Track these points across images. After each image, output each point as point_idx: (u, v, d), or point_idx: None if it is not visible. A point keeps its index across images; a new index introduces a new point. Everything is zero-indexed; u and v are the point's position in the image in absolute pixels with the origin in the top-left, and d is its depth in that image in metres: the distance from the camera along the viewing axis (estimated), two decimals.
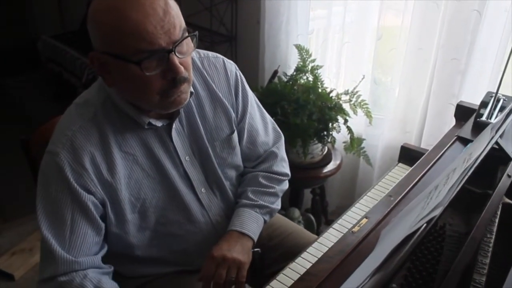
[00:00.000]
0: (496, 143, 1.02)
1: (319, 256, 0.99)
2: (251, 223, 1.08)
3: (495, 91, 1.29)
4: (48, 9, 3.79)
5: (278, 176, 1.18)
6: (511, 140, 1.11)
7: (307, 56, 1.85)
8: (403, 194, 1.10)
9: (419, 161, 1.24)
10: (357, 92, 1.83)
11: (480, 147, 0.84)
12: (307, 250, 1.04)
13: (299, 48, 1.86)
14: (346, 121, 1.82)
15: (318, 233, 1.92)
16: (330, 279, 0.90)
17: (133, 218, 1.01)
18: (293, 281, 0.94)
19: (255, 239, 1.09)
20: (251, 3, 2.15)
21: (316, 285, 0.89)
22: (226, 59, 1.12)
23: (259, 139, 1.17)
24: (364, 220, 1.04)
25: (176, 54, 0.86)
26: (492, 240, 0.90)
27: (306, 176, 1.90)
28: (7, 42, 3.62)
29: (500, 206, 0.98)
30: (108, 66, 0.88)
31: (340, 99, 1.83)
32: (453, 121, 1.49)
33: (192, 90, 0.98)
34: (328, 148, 1.98)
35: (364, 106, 1.82)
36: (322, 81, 1.84)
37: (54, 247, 0.91)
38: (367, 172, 2.07)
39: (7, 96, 3.55)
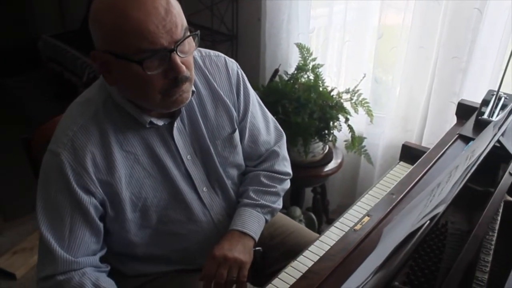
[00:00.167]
0: (498, 141, 1.02)
1: (321, 255, 0.99)
2: (253, 223, 1.09)
3: (496, 89, 1.29)
4: (48, 9, 3.79)
5: (279, 175, 1.18)
6: None
7: (308, 55, 1.85)
8: (405, 192, 1.10)
9: (420, 159, 1.24)
10: (358, 90, 1.83)
11: (482, 145, 0.84)
12: (309, 249, 1.04)
13: (300, 46, 1.86)
14: (347, 119, 1.82)
15: (319, 232, 1.92)
16: (333, 277, 0.90)
17: (134, 217, 1.01)
18: (295, 280, 0.94)
19: (257, 238, 1.09)
20: (252, 2, 2.15)
21: (319, 283, 0.89)
22: (228, 58, 1.12)
23: (260, 138, 1.17)
24: (366, 218, 1.04)
25: (178, 53, 0.86)
26: (494, 238, 0.90)
27: (307, 174, 1.90)
28: (7, 42, 3.62)
29: (502, 204, 0.98)
30: (110, 65, 0.88)
31: (341, 97, 1.82)
32: (454, 120, 1.49)
33: (193, 89, 0.98)
34: (329, 147, 1.98)
35: (365, 105, 1.82)
36: (323, 79, 1.84)
37: (53, 246, 0.92)
38: (368, 170, 2.07)
39: (8, 96, 3.54)
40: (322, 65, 1.86)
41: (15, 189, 2.41)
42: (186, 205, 1.05)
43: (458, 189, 0.71)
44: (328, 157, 1.95)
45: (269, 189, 1.15)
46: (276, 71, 1.97)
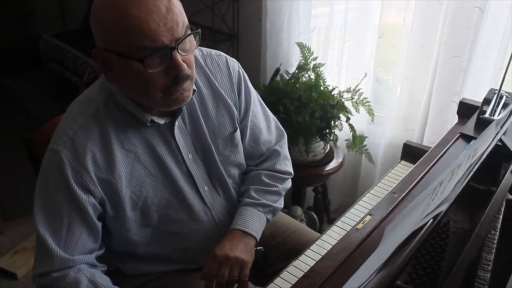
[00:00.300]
0: (500, 140, 1.02)
1: (322, 254, 0.99)
2: (254, 222, 1.08)
3: (497, 88, 1.29)
4: (49, 8, 3.79)
5: (280, 175, 1.18)
6: None
7: (309, 54, 1.85)
8: (407, 191, 1.10)
9: (422, 158, 1.24)
10: (359, 90, 1.83)
11: (485, 143, 0.84)
12: (310, 248, 1.04)
13: (301, 46, 1.86)
14: (348, 119, 1.81)
15: (321, 231, 1.92)
16: (335, 276, 0.90)
17: (134, 216, 1.01)
18: (297, 279, 0.94)
19: (258, 237, 1.09)
20: (253, 2, 2.15)
21: (321, 282, 0.89)
22: (229, 57, 1.12)
23: (261, 137, 1.17)
24: (368, 217, 1.04)
25: (179, 51, 0.86)
26: (496, 237, 0.90)
27: (308, 174, 1.90)
28: (8, 42, 3.62)
29: (504, 203, 0.98)
30: (111, 64, 0.88)
31: (342, 97, 1.82)
32: (455, 119, 1.49)
33: (194, 87, 0.98)
34: (330, 146, 1.98)
35: (366, 104, 1.82)
36: (324, 79, 1.84)
37: (50, 244, 0.92)
38: (369, 170, 2.07)
39: (8, 95, 3.55)
40: (323, 65, 1.86)
41: (16, 189, 2.41)
42: (187, 204, 1.05)
43: (461, 187, 0.70)
44: (329, 157, 1.95)
45: (270, 188, 1.15)
46: (277, 70, 1.97)
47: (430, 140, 1.81)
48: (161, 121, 0.98)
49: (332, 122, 1.80)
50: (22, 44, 3.69)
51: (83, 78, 2.88)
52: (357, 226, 1.02)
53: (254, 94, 1.16)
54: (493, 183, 1.03)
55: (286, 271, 0.98)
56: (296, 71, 1.87)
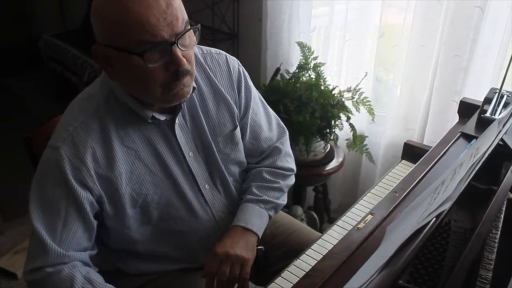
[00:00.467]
0: (501, 139, 1.02)
1: (323, 253, 0.99)
2: (255, 219, 1.08)
3: (498, 87, 1.29)
4: (49, 8, 3.79)
5: (282, 171, 1.18)
6: None
7: (309, 54, 1.85)
8: (408, 190, 1.10)
9: (423, 158, 1.24)
10: (359, 89, 1.83)
11: (487, 142, 0.84)
12: (312, 247, 1.04)
13: (302, 45, 1.86)
14: (348, 118, 1.81)
15: (321, 231, 1.92)
16: (336, 276, 0.90)
17: (134, 213, 1.01)
18: (298, 278, 0.94)
19: (260, 234, 1.08)
20: (253, 1, 2.15)
21: (322, 281, 0.89)
22: (229, 56, 1.12)
23: (262, 134, 1.17)
24: (369, 217, 1.04)
25: (179, 46, 0.87)
26: (498, 236, 0.90)
27: (309, 173, 1.90)
28: (8, 41, 3.61)
29: (505, 202, 0.98)
30: (111, 59, 0.89)
31: (342, 96, 1.82)
32: (455, 118, 1.49)
33: (194, 85, 0.99)
34: (331, 146, 1.98)
35: (366, 103, 1.82)
36: (325, 78, 1.84)
37: (45, 239, 0.91)
38: (370, 169, 2.07)
39: (9, 95, 3.54)
40: (323, 64, 1.86)
41: (16, 189, 2.40)
42: (187, 202, 1.05)
43: (464, 186, 0.70)
44: (329, 156, 1.95)
45: (272, 185, 1.14)
46: (278, 70, 1.97)
47: (430, 139, 1.81)
48: (162, 117, 0.98)
49: (333, 121, 1.80)
50: (22, 44, 3.69)
51: (83, 78, 2.88)
52: (359, 226, 1.02)
53: (255, 92, 1.16)
54: (494, 182, 1.03)
55: (287, 271, 0.98)
56: (297, 70, 1.87)
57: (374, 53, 1.89)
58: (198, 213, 1.07)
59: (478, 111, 1.32)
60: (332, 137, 1.87)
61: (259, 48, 2.14)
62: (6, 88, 3.60)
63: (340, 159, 1.95)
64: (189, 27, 0.89)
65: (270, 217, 1.14)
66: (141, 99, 0.96)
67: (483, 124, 1.25)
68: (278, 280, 0.97)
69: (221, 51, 1.12)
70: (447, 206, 0.63)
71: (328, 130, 1.82)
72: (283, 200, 1.17)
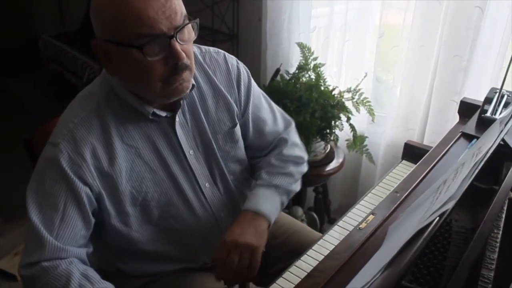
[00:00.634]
0: (502, 139, 1.02)
1: (324, 254, 0.98)
2: (267, 203, 1.05)
3: (498, 87, 1.29)
4: (48, 9, 3.79)
5: (291, 159, 1.16)
6: None
7: (309, 54, 1.85)
8: (409, 190, 1.10)
9: (424, 158, 1.24)
10: (359, 89, 1.83)
11: (489, 141, 0.84)
12: (313, 248, 1.04)
13: (301, 46, 1.86)
14: (348, 118, 1.81)
15: (321, 231, 1.92)
16: (338, 276, 0.90)
17: (134, 211, 1.00)
18: (300, 279, 0.94)
19: (271, 219, 1.05)
20: (253, 1, 2.15)
21: (324, 282, 0.88)
22: (227, 54, 1.13)
23: (267, 128, 1.16)
24: (371, 217, 1.04)
25: (178, 40, 0.87)
26: (499, 236, 0.90)
27: (309, 174, 1.87)
28: (7, 42, 3.62)
29: (507, 202, 0.98)
30: (111, 54, 0.89)
31: (342, 97, 1.82)
32: (455, 118, 1.49)
33: (194, 83, 0.99)
34: (331, 146, 1.98)
35: (366, 104, 1.81)
36: (325, 79, 1.84)
37: (42, 232, 0.89)
38: (370, 170, 2.07)
39: (8, 95, 3.54)
40: (323, 65, 1.86)
41: (16, 190, 2.40)
42: (187, 201, 1.05)
43: (467, 185, 0.70)
44: (329, 157, 1.94)
45: (282, 170, 1.12)
46: (278, 70, 1.97)
47: (430, 140, 1.82)
48: (163, 114, 0.98)
49: (333, 122, 1.80)
50: (21, 44, 3.69)
51: (83, 79, 2.88)
52: (360, 226, 1.02)
53: (255, 87, 1.16)
54: (495, 182, 1.03)
55: (289, 271, 0.98)
56: (297, 71, 1.87)
57: (374, 53, 1.89)
58: (198, 211, 1.07)
59: (479, 111, 1.32)
60: (332, 138, 1.86)
61: (259, 49, 2.14)
62: (6, 88, 3.60)
63: (340, 160, 1.95)
64: (187, 21, 0.89)
65: (282, 204, 1.11)
66: (141, 96, 0.96)
67: (484, 124, 1.25)
68: (280, 280, 0.97)
69: (220, 50, 1.13)
70: (450, 205, 0.63)
71: (328, 131, 1.82)
72: (296, 186, 1.15)
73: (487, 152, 0.77)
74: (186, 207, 1.05)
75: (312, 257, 1.01)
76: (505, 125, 0.91)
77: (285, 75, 1.91)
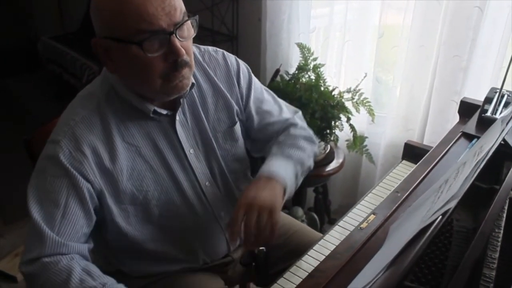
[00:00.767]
0: (503, 138, 1.02)
1: (325, 254, 0.98)
2: (280, 168, 1.02)
3: (498, 87, 1.29)
4: (47, 10, 3.79)
5: (300, 136, 1.14)
6: None
7: (309, 55, 1.85)
8: (410, 190, 1.10)
9: (424, 157, 1.24)
10: (359, 90, 1.83)
11: (491, 140, 0.84)
12: (314, 248, 1.04)
13: (301, 46, 1.86)
14: (348, 119, 1.81)
15: (321, 232, 1.92)
16: (340, 276, 0.89)
17: (135, 210, 1.00)
18: (301, 279, 0.93)
19: (286, 183, 1.01)
20: (252, 2, 2.15)
21: (326, 282, 0.88)
22: (225, 52, 1.13)
23: (272, 119, 1.16)
24: (372, 216, 1.04)
25: (177, 36, 0.88)
26: (501, 235, 0.90)
27: (309, 174, 1.86)
28: (7, 43, 3.62)
29: (507, 201, 0.98)
30: (111, 52, 0.89)
31: (342, 97, 1.82)
32: (455, 118, 1.49)
33: (193, 81, 0.99)
34: (331, 147, 1.98)
35: (366, 104, 1.82)
36: (325, 79, 1.84)
37: (43, 228, 0.89)
38: (370, 170, 2.07)
39: (8, 96, 3.54)
40: (323, 65, 1.86)
41: (16, 190, 2.40)
42: (187, 200, 1.05)
43: (469, 184, 0.70)
44: (329, 157, 1.94)
45: (292, 144, 1.10)
46: (277, 71, 1.97)
47: (430, 140, 1.82)
48: (164, 111, 0.98)
49: (333, 122, 1.80)
50: (21, 45, 3.69)
51: (82, 80, 2.88)
52: (361, 225, 1.02)
53: (257, 82, 1.16)
54: (496, 182, 1.03)
55: (290, 272, 0.98)
56: (296, 71, 1.87)
57: (374, 53, 1.90)
58: (198, 210, 1.07)
59: (479, 110, 1.32)
60: (332, 138, 1.87)
61: (259, 49, 2.14)
62: (6, 89, 3.60)
63: (340, 160, 1.95)
64: (186, 18, 0.90)
65: (297, 175, 1.07)
66: (141, 94, 0.96)
67: (484, 123, 1.25)
68: (281, 281, 0.96)
69: (218, 49, 1.14)
70: (453, 204, 0.63)
71: (328, 131, 1.82)
72: (309, 161, 1.12)
73: (489, 151, 0.77)
74: (186, 206, 1.05)
75: (313, 257, 1.01)
76: (507, 124, 0.91)
77: (284, 75, 1.91)
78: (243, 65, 1.14)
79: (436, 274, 0.84)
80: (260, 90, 1.17)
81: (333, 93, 1.82)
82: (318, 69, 1.84)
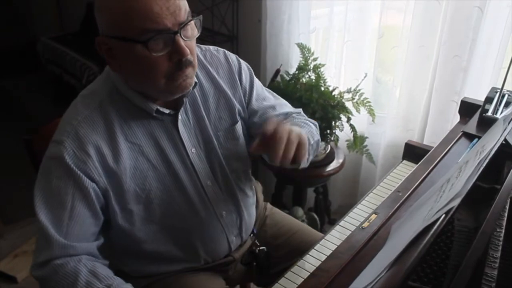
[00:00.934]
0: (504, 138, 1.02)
1: (327, 254, 0.98)
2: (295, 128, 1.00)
3: (498, 87, 1.29)
4: (47, 11, 3.79)
5: (303, 119, 1.17)
6: None
7: (309, 55, 1.86)
8: (411, 190, 1.10)
9: (425, 157, 1.24)
10: (359, 90, 1.83)
11: (493, 139, 0.84)
12: (315, 248, 1.04)
13: (301, 46, 1.86)
14: (349, 119, 1.82)
15: (322, 232, 1.92)
16: (342, 275, 0.90)
17: (138, 209, 1.00)
18: (303, 279, 0.93)
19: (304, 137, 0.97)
20: (252, 2, 2.15)
21: (328, 281, 0.88)
22: (227, 51, 1.14)
23: (274, 112, 1.16)
24: (374, 216, 1.04)
25: (182, 36, 0.88)
26: (502, 234, 0.90)
27: (309, 174, 1.90)
28: (6, 43, 3.61)
29: (509, 201, 0.98)
30: (115, 51, 0.89)
31: (342, 97, 1.83)
32: (455, 119, 1.50)
33: (196, 80, 0.99)
34: (331, 147, 1.98)
35: (367, 104, 1.82)
36: (325, 79, 1.84)
37: (51, 232, 0.90)
38: (370, 170, 2.07)
39: (7, 97, 3.54)
40: (323, 65, 1.87)
41: (15, 191, 2.40)
42: (189, 199, 1.05)
43: (472, 182, 0.70)
44: (330, 157, 1.94)
45: (296, 121, 1.12)
46: (278, 71, 1.97)
47: (430, 140, 1.82)
48: (166, 110, 0.98)
49: (333, 122, 1.80)
50: (20, 46, 3.69)
51: (82, 81, 2.88)
52: (363, 225, 1.02)
53: (258, 81, 1.17)
54: (497, 181, 1.03)
55: (291, 271, 0.98)
56: (296, 71, 1.88)
57: (374, 54, 1.90)
58: (200, 210, 1.07)
59: (480, 110, 1.32)
60: (332, 138, 1.87)
61: (259, 50, 2.14)
62: (5, 89, 3.60)
63: (341, 160, 1.95)
64: (191, 18, 0.90)
65: (309, 141, 1.05)
66: (145, 93, 0.96)
67: (485, 123, 1.25)
68: (282, 280, 0.97)
69: (219, 48, 1.14)
70: (456, 203, 0.63)
71: (328, 131, 1.82)
72: (317, 135, 1.15)
73: (491, 150, 0.77)
74: (188, 205, 1.05)
75: (314, 257, 1.01)
76: (509, 123, 0.92)
77: (285, 75, 1.92)
78: (244, 64, 1.14)
79: (438, 274, 0.84)
80: (261, 89, 1.18)
81: (333, 93, 1.82)
82: (318, 69, 1.84)
